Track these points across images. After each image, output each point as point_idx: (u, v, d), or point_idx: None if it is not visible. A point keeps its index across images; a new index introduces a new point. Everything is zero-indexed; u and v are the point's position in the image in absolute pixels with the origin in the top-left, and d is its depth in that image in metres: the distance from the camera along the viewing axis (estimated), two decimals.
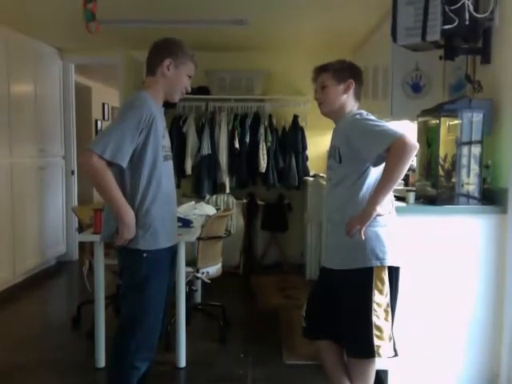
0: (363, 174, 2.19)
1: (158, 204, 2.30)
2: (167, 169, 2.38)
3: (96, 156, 2.15)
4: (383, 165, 2.10)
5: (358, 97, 2.35)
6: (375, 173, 2.18)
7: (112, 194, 2.21)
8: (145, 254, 2.29)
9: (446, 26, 2.61)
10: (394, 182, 2.06)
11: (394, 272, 2.21)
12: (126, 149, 2.19)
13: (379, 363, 2.32)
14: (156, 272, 2.33)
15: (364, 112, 2.27)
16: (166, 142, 2.40)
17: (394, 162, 2.04)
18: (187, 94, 2.48)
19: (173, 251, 2.49)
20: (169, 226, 2.40)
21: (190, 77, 2.41)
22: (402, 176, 2.08)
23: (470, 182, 2.70)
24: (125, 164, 2.21)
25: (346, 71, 2.32)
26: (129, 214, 2.22)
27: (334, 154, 2.28)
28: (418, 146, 2.06)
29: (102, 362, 3.16)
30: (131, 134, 2.19)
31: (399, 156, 2.03)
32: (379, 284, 2.17)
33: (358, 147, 2.16)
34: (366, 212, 2.08)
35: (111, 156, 2.16)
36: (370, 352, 2.19)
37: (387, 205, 2.18)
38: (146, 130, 2.23)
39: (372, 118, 2.22)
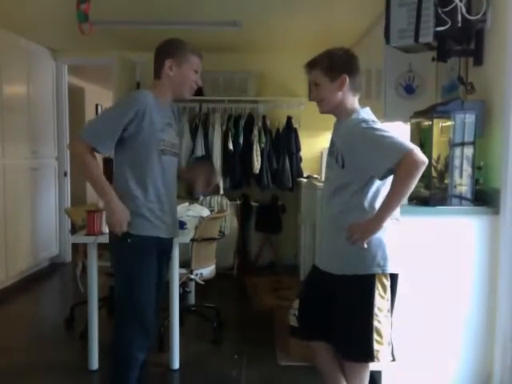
0: (367, 183, 2.11)
1: (149, 195, 2.32)
2: (164, 162, 2.36)
3: (79, 139, 2.25)
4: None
5: (355, 88, 2.24)
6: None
7: (93, 176, 2.26)
8: (129, 240, 2.29)
9: (439, 28, 2.63)
10: (402, 198, 2.01)
11: (393, 278, 2.19)
12: (106, 135, 2.25)
13: (373, 364, 2.32)
14: (141, 258, 2.32)
15: (368, 116, 2.18)
16: (167, 136, 2.38)
17: (403, 178, 1.97)
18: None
19: (164, 244, 2.46)
20: (160, 216, 2.37)
21: (197, 71, 2.40)
22: (410, 191, 2.00)
23: (462, 183, 2.70)
24: (104, 150, 2.26)
25: (337, 67, 2.18)
26: (111, 196, 2.25)
27: (336, 154, 2.18)
28: (427, 161, 1.97)
29: (95, 364, 3.15)
30: (116, 121, 2.25)
31: (409, 172, 1.95)
32: (381, 289, 2.14)
33: (365, 161, 2.07)
34: (370, 227, 2.04)
35: (91, 140, 2.24)
36: (369, 356, 2.16)
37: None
38: (137, 120, 2.24)
39: (378, 126, 2.12)
